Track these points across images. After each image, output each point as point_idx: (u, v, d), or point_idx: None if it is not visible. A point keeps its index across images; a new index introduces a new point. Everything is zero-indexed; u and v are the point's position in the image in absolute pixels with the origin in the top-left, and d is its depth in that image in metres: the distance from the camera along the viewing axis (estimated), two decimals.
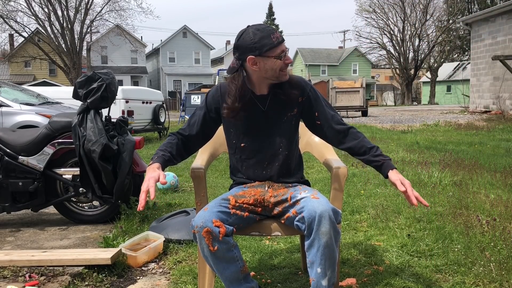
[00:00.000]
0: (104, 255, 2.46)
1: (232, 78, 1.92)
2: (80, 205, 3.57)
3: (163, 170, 1.81)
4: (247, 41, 1.82)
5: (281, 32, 55.71)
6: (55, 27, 28.08)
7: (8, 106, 6.48)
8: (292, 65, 46.75)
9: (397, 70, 39.85)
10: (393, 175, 1.83)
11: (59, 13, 27.79)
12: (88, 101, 3.22)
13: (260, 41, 1.81)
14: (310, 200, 1.75)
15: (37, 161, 3.33)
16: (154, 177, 1.73)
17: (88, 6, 28.45)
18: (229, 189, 2.10)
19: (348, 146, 1.96)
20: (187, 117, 16.53)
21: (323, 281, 1.71)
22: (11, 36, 31.19)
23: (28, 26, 28.08)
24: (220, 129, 2.18)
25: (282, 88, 1.93)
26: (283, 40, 1.85)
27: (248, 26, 1.87)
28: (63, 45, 28.24)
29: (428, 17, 37.69)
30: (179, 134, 2.00)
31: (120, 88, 8.42)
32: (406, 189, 1.78)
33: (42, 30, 28.39)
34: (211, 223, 1.70)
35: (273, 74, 1.87)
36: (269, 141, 1.97)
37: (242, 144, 1.99)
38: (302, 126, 2.13)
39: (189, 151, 2.03)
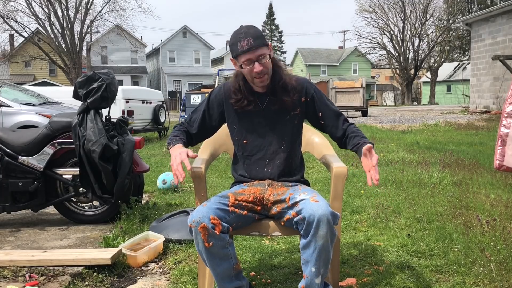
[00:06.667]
0: (104, 255, 2.47)
1: (236, 75, 1.99)
2: (80, 205, 3.56)
3: None
4: (229, 41, 1.91)
5: (280, 32, 55.59)
6: (55, 27, 28.08)
7: (8, 106, 6.47)
8: (292, 65, 46.89)
9: (397, 70, 39.83)
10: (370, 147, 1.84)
11: (59, 13, 27.78)
12: (88, 101, 3.22)
13: (232, 46, 1.87)
14: (310, 203, 1.75)
15: (37, 161, 3.33)
16: (184, 151, 1.78)
17: (88, 6, 28.44)
18: (230, 188, 2.11)
19: (345, 140, 2.02)
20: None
21: (317, 279, 1.75)
22: (11, 36, 31.19)
23: (28, 26, 28.13)
24: (220, 130, 2.18)
25: (282, 88, 1.96)
26: (249, 49, 1.81)
27: (240, 26, 1.90)
28: (63, 45, 28.22)
29: (428, 17, 37.70)
30: (182, 125, 2.08)
31: (120, 88, 8.42)
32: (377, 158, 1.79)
33: (42, 30, 28.37)
34: (208, 219, 1.72)
35: (249, 78, 1.91)
36: (271, 139, 2.00)
37: (244, 141, 2.03)
38: (303, 126, 2.13)
39: (191, 144, 2.09)
